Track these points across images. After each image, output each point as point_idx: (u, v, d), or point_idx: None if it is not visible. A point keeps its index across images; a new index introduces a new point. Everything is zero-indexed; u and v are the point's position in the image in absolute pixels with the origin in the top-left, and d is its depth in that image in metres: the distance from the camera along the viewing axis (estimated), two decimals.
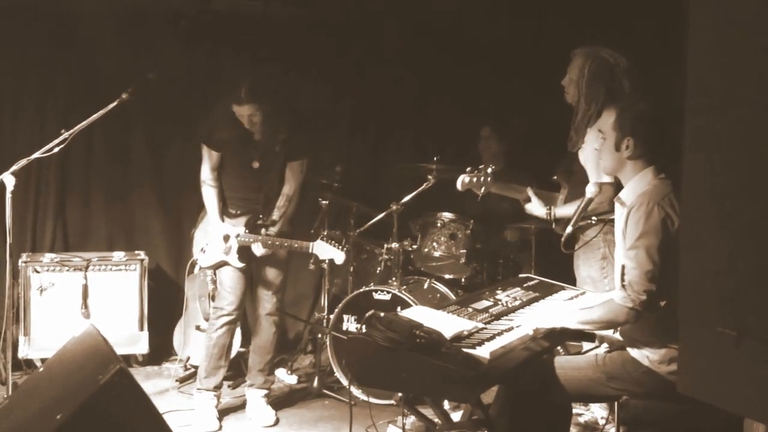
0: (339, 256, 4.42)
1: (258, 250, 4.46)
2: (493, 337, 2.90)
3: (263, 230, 4.52)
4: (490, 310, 3.28)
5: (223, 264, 4.55)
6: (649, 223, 2.81)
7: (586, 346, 3.91)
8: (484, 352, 2.70)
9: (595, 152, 3.11)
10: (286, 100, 4.76)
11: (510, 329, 3.02)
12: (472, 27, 5.97)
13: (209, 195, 4.57)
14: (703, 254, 1.98)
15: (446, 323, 2.95)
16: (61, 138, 4.01)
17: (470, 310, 3.25)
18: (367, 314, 2.87)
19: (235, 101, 4.39)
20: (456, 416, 3.61)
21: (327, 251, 4.41)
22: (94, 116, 4.08)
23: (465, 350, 2.71)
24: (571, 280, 4.31)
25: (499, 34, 5.90)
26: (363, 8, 5.85)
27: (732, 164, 1.88)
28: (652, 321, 2.85)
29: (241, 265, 4.50)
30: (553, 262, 4.72)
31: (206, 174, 4.57)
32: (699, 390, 2.09)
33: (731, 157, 1.89)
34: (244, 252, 4.49)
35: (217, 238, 4.53)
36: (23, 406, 2.88)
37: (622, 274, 2.84)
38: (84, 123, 4.06)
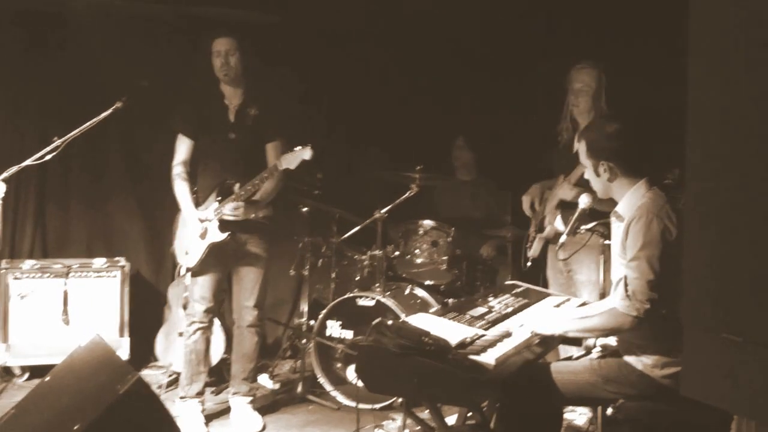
0: (306, 152, 4.19)
1: (228, 210, 4.34)
2: (494, 344, 3.00)
3: (236, 187, 4.39)
4: (486, 317, 3.38)
5: (199, 270, 4.53)
6: (650, 235, 2.92)
7: (567, 350, 4.05)
8: (489, 358, 2.80)
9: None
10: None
11: (508, 335, 3.13)
12: (449, 36, 6.07)
13: (182, 189, 4.52)
14: (707, 260, 2.05)
15: (448, 330, 3.04)
16: (53, 145, 4.02)
17: (468, 317, 3.33)
18: (374, 322, 2.95)
19: (215, 35, 4.45)
20: (449, 420, 3.69)
21: (294, 157, 4.22)
22: (87, 124, 4.10)
23: (471, 357, 2.80)
24: (545, 285, 4.46)
25: (476, 44, 6.01)
26: (339, 16, 5.91)
27: (734, 170, 1.95)
28: (647, 327, 2.97)
29: (224, 235, 4.38)
30: (522, 269, 4.86)
31: (178, 168, 4.53)
32: (702, 393, 2.17)
33: (734, 164, 1.95)
34: (225, 222, 4.40)
35: (195, 228, 4.47)
36: (34, 416, 2.89)
37: (626, 285, 2.93)
38: (76, 131, 4.08)
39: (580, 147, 3.24)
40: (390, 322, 2.89)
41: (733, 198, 1.97)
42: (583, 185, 4.16)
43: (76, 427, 2.56)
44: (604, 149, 3.12)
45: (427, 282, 5.32)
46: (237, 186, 4.37)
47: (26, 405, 3.05)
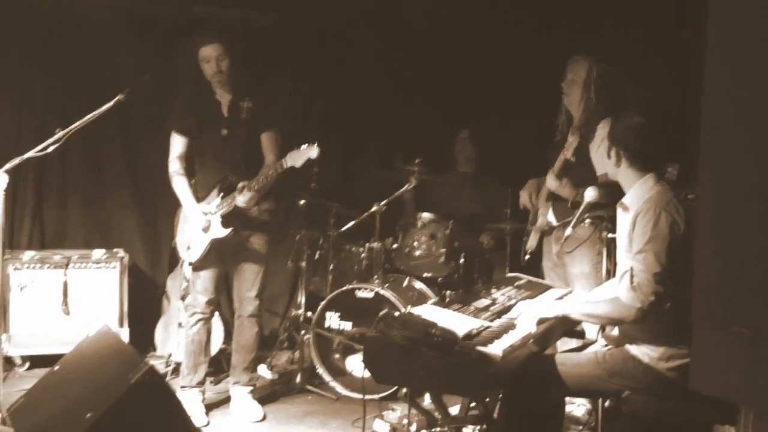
0: (312, 151, 4.23)
1: (241, 200, 4.35)
2: (500, 335, 3.03)
3: (240, 184, 4.38)
4: (491, 309, 3.41)
5: (201, 264, 4.56)
6: (658, 228, 2.96)
7: (567, 343, 4.10)
8: (496, 349, 2.83)
9: (602, 151, 3.28)
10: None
11: (514, 326, 3.17)
12: (445, 32, 6.09)
13: (180, 184, 4.56)
14: (718, 254, 2.08)
15: (454, 321, 3.07)
16: (56, 137, 4.01)
17: (472, 308, 3.37)
18: (381, 313, 2.99)
19: (202, 43, 4.41)
20: (452, 410, 3.74)
21: (300, 155, 4.25)
22: (90, 116, 4.08)
23: (478, 348, 2.83)
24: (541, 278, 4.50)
25: (474, 39, 6.03)
26: (337, 12, 5.94)
27: (747, 166, 1.99)
28: (651, 320, 3.01)
29: (227, 231, 4.42)
30: (521, 263, 4.89)
31: (175, 164, 4.57)
32: (711, 386, 2.20)
33: (746, 159, 1.99)
34: (228, 218, 4.44)
35: (197, 222, 4.51)
36: (44, 405, 2.92)
37: (631, 276, 2.97)
38: (79, 123, 4.06)
39: (607, 125, 3.30)
40: (397, 314, 2.93)
41: (745, 193, 2.01)
42: (565, 176, 4.25)
43: (88, 416, 2.58)
44: (619, 137, 3.17)
45: (425, 274, 5.35)
46: (240, 184, 4.37)
47: (35, 394, 3.08)
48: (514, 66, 5.88)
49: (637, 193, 3.14)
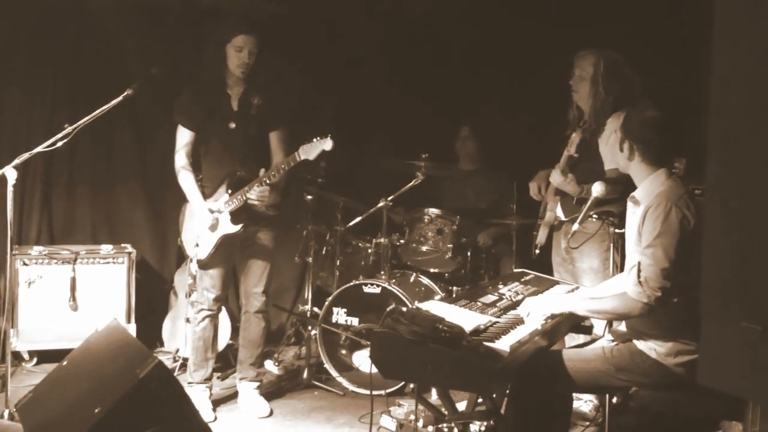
0: (326, 143, 4.18)
1: (254, 194, 4.35)
2: (507, 331, 3.04)
3: (261, 172, 4.37)
4: (498, 304, 3.42)
5: (210, 262, 4.55)
6: (668, 223, 2.95)
7: (574, 338, 4.10)
8: (503, 345, 2.83)
9: (613, 144, 3.28)
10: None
11: (521, 322, 3.17)
12: (449, 27, 6.09)
13: (187, 179, 4.53)
14: (727, 249, 2.07)
15: (461, 317, 3.08)
16: (64, 132, 4.03)
17: (479, 304, 3.38)
18: (388, 308, 2.99)
19: (241, 30, 4.40)
20: (459, 406, 3.74)
21: (313, 148, 4.20)
22: (98, 111, 4.11)
23: (486, 344, 2.83)
24: (549, 274, 4.49)
25: (476, 32, 6.03)
26: (344, 6, 5.93)
27: (756, 160, 1.97)
28: (660, 315, 3.00)
29: (237, 227, 4.41)
30: (532, 257, 4.89)
31: (181, 158, 4.53)
32: (719, 381, 2.20)
33: (755, 153, 1.97)
34: (237, 214, 4.43)
35: (204, 219, 4.49)
36: (53, 399, 2.92)
37: (638, 271, 2.96)
38: (88, 118, 4.10)
39: (620, 117, 3.29)
40: (404, 309, 2.93)
41: (754, 187, 2.00)
42: (571, 172, 4.25)
43: (96, 410, 2.59)
44: (633, 130, 3.17)
45: (432, 270, 5.36)
46: (262, 171, 4.37)
47: (44, 389, 3.09)
48: (519, 59, 5.88)
49: (649, 188, 3.13)
